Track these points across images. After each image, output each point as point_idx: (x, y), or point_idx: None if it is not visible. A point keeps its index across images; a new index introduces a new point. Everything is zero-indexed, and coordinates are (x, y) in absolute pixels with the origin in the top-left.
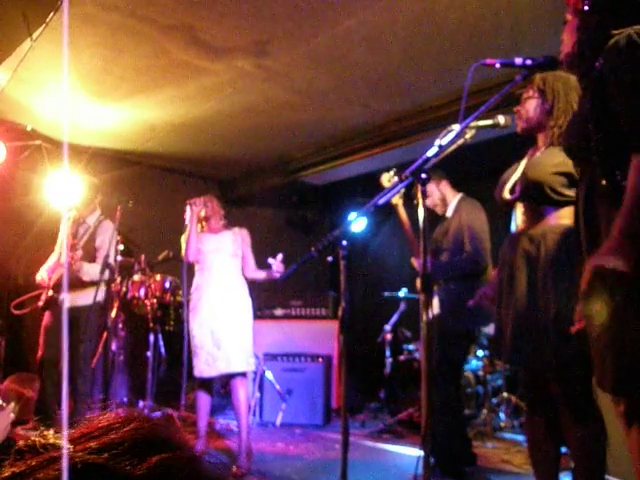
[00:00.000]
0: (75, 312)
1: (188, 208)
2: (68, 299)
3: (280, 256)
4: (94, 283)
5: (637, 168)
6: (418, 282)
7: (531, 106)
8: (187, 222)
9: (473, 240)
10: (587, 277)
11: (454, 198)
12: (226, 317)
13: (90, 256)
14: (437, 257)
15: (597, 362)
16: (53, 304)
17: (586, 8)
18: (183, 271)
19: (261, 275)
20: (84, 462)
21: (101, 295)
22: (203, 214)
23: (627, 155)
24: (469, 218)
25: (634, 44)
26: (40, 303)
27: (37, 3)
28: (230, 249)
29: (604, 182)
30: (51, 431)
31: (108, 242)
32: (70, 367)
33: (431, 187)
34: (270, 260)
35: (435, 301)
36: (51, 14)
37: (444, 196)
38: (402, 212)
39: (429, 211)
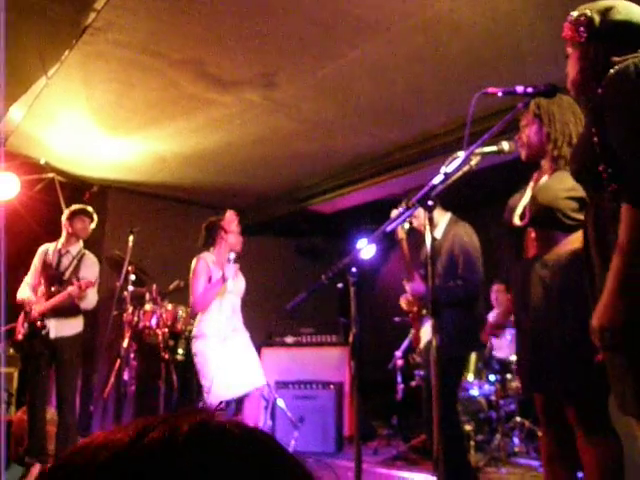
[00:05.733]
0: (60, 342)
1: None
2: (53, 329)
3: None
4: (78, 312)
5: (629, 221)
6: (402, 302)
7: (530, 132)
8: (226, 275)
9: (469, 268)
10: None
11: (443, 218)
12: (239, 344)
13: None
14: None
15: (616, 387)
16: (37, 334)
17: (582, 40)
18: None
19: None
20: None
21: (81, 325)
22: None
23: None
24: (463, 243)
25: (631, 75)
26: (20, 336)
27: (52, 42)
28: (242, 292)
29: (614, 204)
30: None
31: (96, 276)
32: (58, 397)
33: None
34: None
35: (427, 328)
36: (66, 52)
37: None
38: (405, 247)
39: (418, 232)
